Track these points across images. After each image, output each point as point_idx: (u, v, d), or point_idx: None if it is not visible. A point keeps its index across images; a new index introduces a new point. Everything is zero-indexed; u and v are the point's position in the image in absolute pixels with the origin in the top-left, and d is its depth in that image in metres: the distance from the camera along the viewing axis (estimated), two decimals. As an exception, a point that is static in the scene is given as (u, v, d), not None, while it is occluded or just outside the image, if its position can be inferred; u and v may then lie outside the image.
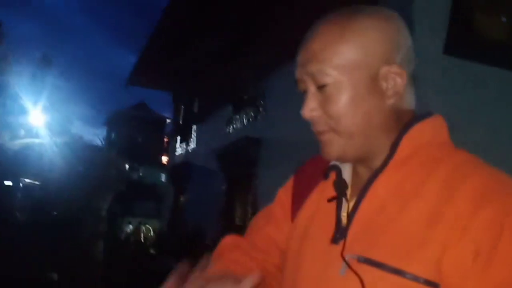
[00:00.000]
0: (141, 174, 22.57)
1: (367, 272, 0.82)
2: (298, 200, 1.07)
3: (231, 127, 9.78)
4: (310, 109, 0.93)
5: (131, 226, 10.79)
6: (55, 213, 6.08)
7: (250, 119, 9.02)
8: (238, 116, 9.56)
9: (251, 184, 8.33)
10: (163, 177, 21.07)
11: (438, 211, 0.80)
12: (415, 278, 0.78)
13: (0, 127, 6.26)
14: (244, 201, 8.82)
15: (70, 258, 5.11)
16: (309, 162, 1.15)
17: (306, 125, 0.98)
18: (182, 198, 13.14)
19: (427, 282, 0.78)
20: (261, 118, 8.51)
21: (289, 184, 1.14)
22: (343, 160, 0.96)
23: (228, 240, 1.15)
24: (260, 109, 8.51)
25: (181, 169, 12.82)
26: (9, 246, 5.04)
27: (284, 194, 1.13)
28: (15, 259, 4.84)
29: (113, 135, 27.86)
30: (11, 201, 6.50)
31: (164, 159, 23.83)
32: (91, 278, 3.70)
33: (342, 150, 0.92)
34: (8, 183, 7.50)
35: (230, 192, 9.36)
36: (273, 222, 1.11)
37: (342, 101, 0.89)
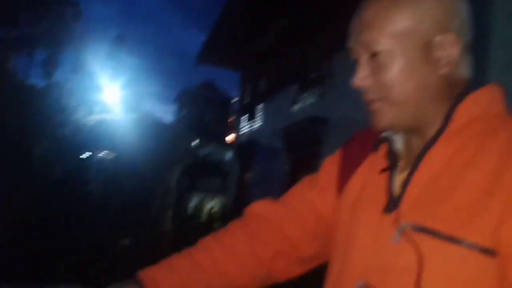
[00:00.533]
0: (208, 151, 23.15)
1: (422, 240, 0.82)
2: (345, 173, 1.06)
3: (297, 106, 9.72)
4: (362, 77, 0.92)
5: (196, 201, 11.14)
6: (127, 184, 6.45)
7: (316, 99, 8.90)
8: (304, 95, 9.46)
9: (315, 164, 8.27)
10: (229, 155, 21.49)
11: (495, 181, 0.79)
12: (471, 246, 0.77)
13: (77, 103, 6.63)
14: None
15: (141, 226, 5.40)
16: (357, 135, 1.14)
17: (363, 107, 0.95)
18: (247, 176, 13.34)
19: (483, 250, 0.77)
20: (327, 97, 8.38)
21: (336, 156, 1.13)
22: (394, 129, 0.95)
23: (257, 208, 1.15)
24: (326, 88, 8.37)
25: (247, 147, 12.99)
26: (86, 215, 5.38)
27: (331, 165, 1.13)
28: (91, 226, 5.18)
29: (182, 112, 28.69)
30: (87, 174, 6.90)
31: (230, 137, 24.27)
32: (160, 245, 3.88)
33: (393, 119, 0.91)
34: (84, 156, 7.93)
35: (294, 171, 9.35)
36: (317, 189, 1.11)
37: (394, 69, 0.87)
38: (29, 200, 3.89)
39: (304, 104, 9.45)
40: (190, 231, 6.33)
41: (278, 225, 1.10)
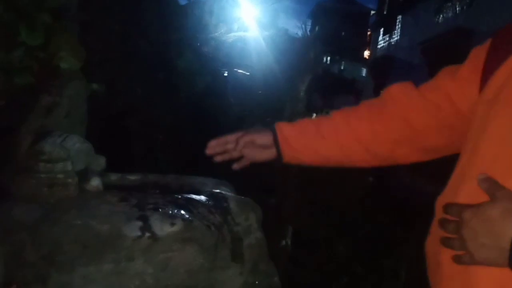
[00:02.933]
0: (342, 67, 22.64)
1: None
2: (491, 64, 0.98)
3: (441, 16, 8.89)
4: None
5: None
6: (259, 92, 6.77)
7: (464, 7, 8.02)
8: (450, 3, 8.58)
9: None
10: (363, 72, 20.79)
11: None
12: None
13: (218, 21, 6.90)
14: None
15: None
16: (509, 25, 1.03)
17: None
18: (381, 93, 12.93)
19: None
20: (477, 5, 7.50)
21: (484, 46, 1.04)
22: None
23: (392, 89, 1.14)
24: (477, -6, 7.47)
25: (382, 64, 12.46)
26: (224, 124, 5.87)
27: (477, 56, 1.04)
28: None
29: (316, 28, 28.10)
30: (225, 88, 7.33)
31: (366, 53, 23.28)
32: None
33: None
34: (223, 72, 8.35)
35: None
36: (457, 80, 1.06)
37: None
38: (179, 108, 4.37)
39: (449, 14, 8.61)
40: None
41: (406, 109, 1.09)
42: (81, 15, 2.46)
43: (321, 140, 1.15)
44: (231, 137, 1.24)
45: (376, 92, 13.10)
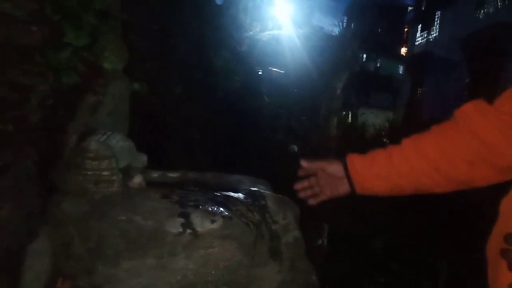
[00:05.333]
0: (378, 65, 22.30)
1: None
2: None
3: (482, 11, 8.62)
4: None
5: (364, 115, 11.07)
6: (295, 90, 6.79)
7: (506, 1, 7.76)
8: (491, -1, 8.32)
9: (499, 78, 7.44)
10: (400, 69, 20.42)
11: None
12: None
13: (252, 19, 6.91)
14: (490, 96, 7.99)
15: (308, 131, 5.74)
16: None
17: None
18: (419, 91, 12.65)
19: None
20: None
21: None
22: None
23: (464, 110, 1.09)
24: (521, -12, 7.21)
25: (420, 60, 12.19)
26: (259, 123, 5.91)
27: None
28: (264, 134, 5.69)
29: (352, 25, 27.74)
30: (260, 86, 7.35)
31: (403, 50, 22.83)
32: (326, 150, 4.10)
33: None
34: (258, 71, 8.37)
35: (474, 86, 8.56)
36: None
37: None
38: (212, 104, 4.44)
39: (491, 8, 8.34)
40: (354, 142, 6.47)
41: (481, 127, 1.04)
42: (124, 15, 2.52)
43: (394, 170, 1.14)
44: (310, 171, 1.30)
45: (414, 90, 12.83)
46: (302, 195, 1.32)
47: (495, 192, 1.01)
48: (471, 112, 1.07)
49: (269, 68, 9.18)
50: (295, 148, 5.37)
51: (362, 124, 9.83)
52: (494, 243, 0.87)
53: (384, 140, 10.02)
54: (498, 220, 0.88)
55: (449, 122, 1.11)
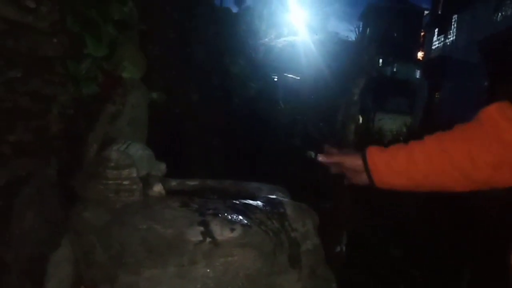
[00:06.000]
0: (395, 69, 22.15)
1: None
2: None
3: (500, 14, 8.52)
4: None
5: (382, 119, 10.99)
6: (312, 96, 6.79)
7: (525, 3, 7.66)
8: (509, 1, 8.22)
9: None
10: (417, 73, 20.25)
11: None
12: None
13: (268, 26, 6.94)
14: (509, 98, 7.87)
15: (325, 137, 5.72)
16: None
17: None
18: (436, 95, 12.51)
19: None
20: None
21: None
22: None
23: (488, 111, 1.08)
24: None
25: (437, 64, 12.08)
26: (276, 129, 5.91)
27: None
28: (281, 139, 5.70)
29: (368, 30, 27.64)
30: (276, 93, 7.35)
31: (419, 54, 22.64)
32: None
33: None
34: (273, 77, 8.38)
35: (493, 89, 8.44)
36: None
37: None
38: (229, 111, 4.47)
39: (509, 11, 8.24)
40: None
41: (505, 130, 1.03)
42: (141, 25, 2.56)
43: (414, 166, 1.13)
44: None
45: (431, 94, 12.70)
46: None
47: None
48: (496, 114, 1.06)
49: (285, 74, 9.18)
50: (312, 154, 5.36)
51: (379, 129, 9.77)
52: None
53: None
54: None
55: (474, 123, 1.09)
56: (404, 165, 1.14)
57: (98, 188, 1.68)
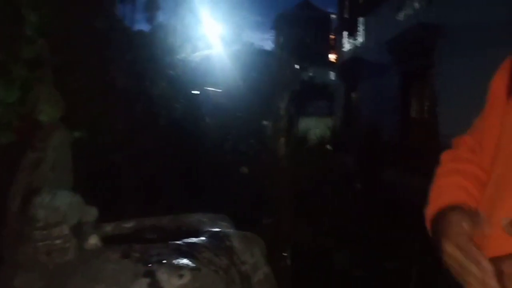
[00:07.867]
0: (311, 74, 22.88)
1: None
2: None
3: (403, 14, 9.05)
4: None
5: (305, 125, 11.28)
6: (238, 114, 6.77)
7: (424, 3, 8.19)
8: (410, 0, 8.75)
9: (427, 76, 7.81)
10: (332, 76, 21.06)
11: None
12: None
13: (182, 41, 6.85)
14: (420, 94, 8.38)
15: (257, 154, 5.73)
16: None
17: (500, 4, 0.86)
18: (353, 95, 13.06)
19: None
20: (438, 1, 7.67)
21: (503, 69, 1.01)
22: None
23: (448, 157, 1.08)
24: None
25: (350, 66, 12.60)
26: (206, 146, 5.83)
27: (497, 83, 1.02)
28: (211, 156, 5.62)
29: (281, 38, 28.36)
30: (199, 108, 7.26)
31: (332, 57, 23.59)
32: (276, 170, 4.10)
33: None
34: (195, 93, 8.27)
35: (404, 85, 8.94)
36: (488, 119, 1.03)
37: None
38: (156, 135, 4.33)
39: (411, 10, 8.78)
40: (303, 155, 6.54)
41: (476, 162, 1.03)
42: (55, 60, 2.39)
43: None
44: None
45: (348, 95, 13.23)
46: None
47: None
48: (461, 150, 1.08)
49: (206, 88, 9.10)
50: (246, 169, 5.35)
51: (306, 134, 9.97)
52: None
53: (327, 147, 10.23)
54: None
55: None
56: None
57: (26, 250, 1.52)
